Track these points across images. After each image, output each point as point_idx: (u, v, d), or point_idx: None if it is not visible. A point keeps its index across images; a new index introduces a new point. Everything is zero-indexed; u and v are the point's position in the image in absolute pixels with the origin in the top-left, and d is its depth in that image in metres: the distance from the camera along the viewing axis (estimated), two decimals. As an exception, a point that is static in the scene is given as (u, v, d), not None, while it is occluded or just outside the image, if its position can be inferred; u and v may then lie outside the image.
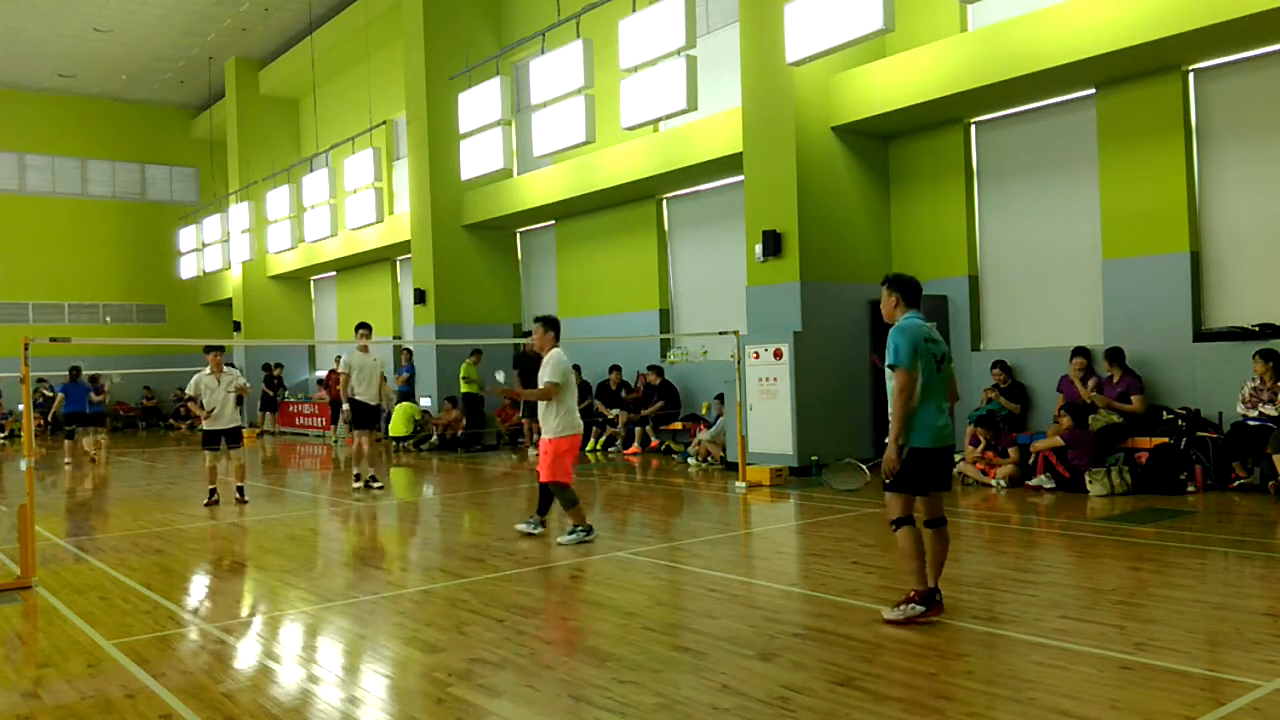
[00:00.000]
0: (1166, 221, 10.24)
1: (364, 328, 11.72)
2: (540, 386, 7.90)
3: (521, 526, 8.32)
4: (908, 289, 5.42)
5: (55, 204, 28.80)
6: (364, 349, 11.70)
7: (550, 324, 8.24)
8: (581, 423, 8.12)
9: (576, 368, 16.34)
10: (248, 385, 11.37)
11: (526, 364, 14.29)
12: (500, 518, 9.58)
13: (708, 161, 13.83)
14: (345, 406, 12.08)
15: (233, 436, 11.06)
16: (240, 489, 11.07)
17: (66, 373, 17.10)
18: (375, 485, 11.82)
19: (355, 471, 11.90)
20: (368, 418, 11.85)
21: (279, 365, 24.85)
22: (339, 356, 11.36)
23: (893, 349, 5.20)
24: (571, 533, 7.85)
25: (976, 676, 4.32)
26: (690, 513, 9.69)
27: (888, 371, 5.27)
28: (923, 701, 4.00)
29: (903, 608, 5.15)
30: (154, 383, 28.56)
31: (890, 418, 5.22)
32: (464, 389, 17.25)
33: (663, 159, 14.51)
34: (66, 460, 16.94)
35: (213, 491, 11.11)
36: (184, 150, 30.99)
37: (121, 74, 26.99)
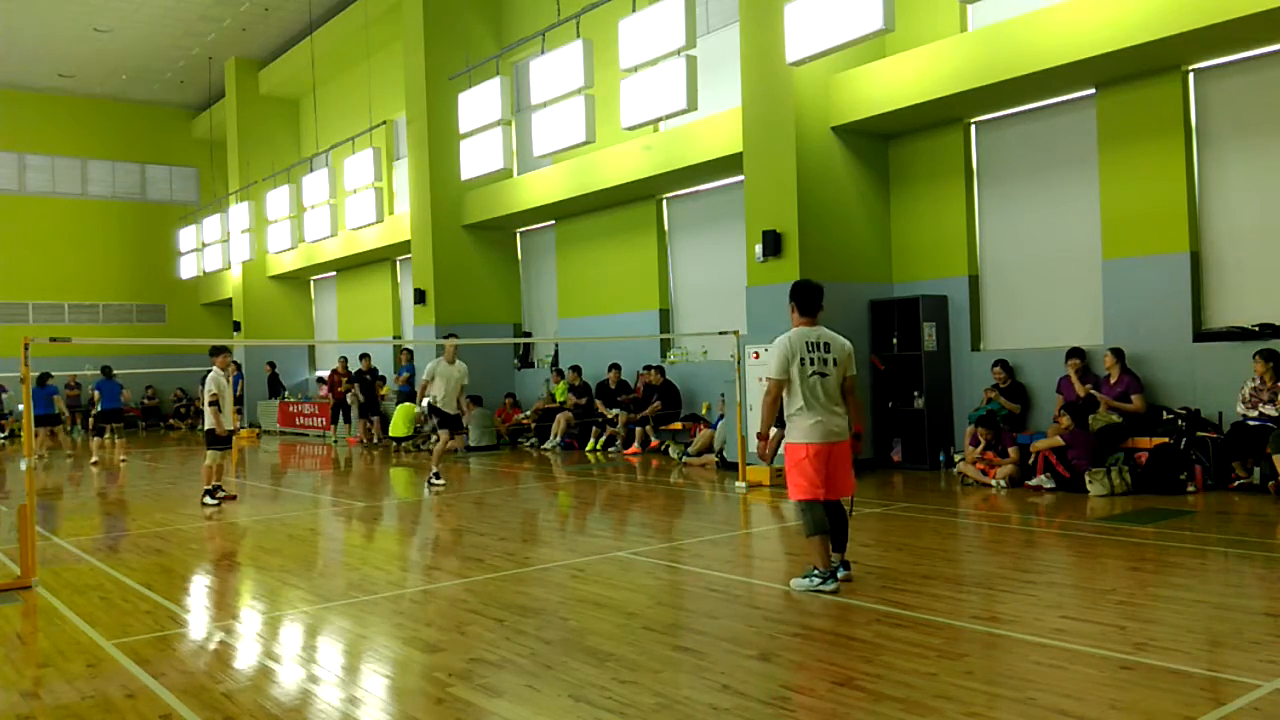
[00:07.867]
0: (1166, 221, 10.24)
1: (225, 351, 11.36)
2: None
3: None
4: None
5: (55, 204, 28.78)
6: (224, 366, 11.38)
7: (793, 292, 6.17)
8: (831, 428, 5.92)
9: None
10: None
11: None
12: (499, 517, 9.59)
13: (708, 161, 13.83)
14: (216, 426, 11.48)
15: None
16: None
17: (99, 371, 17.54)
18: (218, 500, 11.26)
19: (214, 482, 11.30)
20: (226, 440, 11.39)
21: (271, 364, 24.98)
22: (206, 374, 11.35)
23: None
24: (806, 576, 5.98)
25: (976, 676, 4.32)
26: (690, 513, 9.68)
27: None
28: (923, 701, 4.00)
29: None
30: (150, 383, 28.63)
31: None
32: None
33: (663, 159, 14.50)
34: (94, 460, 16.87)
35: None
36: (184, 150, 30.97)
37: (121, 74, 26.99)
